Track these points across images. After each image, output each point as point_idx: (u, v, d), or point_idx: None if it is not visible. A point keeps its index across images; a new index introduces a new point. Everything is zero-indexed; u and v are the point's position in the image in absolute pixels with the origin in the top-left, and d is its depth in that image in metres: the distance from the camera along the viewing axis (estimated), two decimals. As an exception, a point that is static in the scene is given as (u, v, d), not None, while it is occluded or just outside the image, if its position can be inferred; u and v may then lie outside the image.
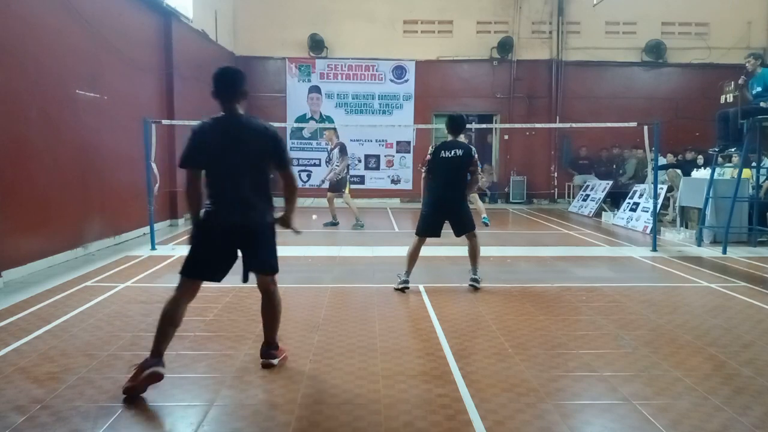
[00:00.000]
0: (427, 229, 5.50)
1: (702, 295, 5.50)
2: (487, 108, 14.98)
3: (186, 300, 3.26)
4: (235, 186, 3.22)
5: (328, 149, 10.86)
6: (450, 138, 5.51)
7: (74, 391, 3.15)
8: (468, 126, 14.19)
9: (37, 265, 6.28)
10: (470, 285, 5.47)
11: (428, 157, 5.50)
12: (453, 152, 5.38)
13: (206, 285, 5.66)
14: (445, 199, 5.45)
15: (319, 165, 14.99)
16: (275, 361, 3.52)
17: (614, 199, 12.38)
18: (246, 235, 3.25)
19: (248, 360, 3.64)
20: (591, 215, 12.33)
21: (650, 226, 9.14)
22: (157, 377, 3.07)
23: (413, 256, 5.53)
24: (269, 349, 3.54)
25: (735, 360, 3.70)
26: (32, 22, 6.35)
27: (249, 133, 3.28)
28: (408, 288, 5.45)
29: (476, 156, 5.48)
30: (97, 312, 4.69)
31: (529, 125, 13.02)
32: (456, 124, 5.50)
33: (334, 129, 10.67)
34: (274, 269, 3.41)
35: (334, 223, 10.15)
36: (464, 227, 5.50)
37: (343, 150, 9.90)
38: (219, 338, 4.08)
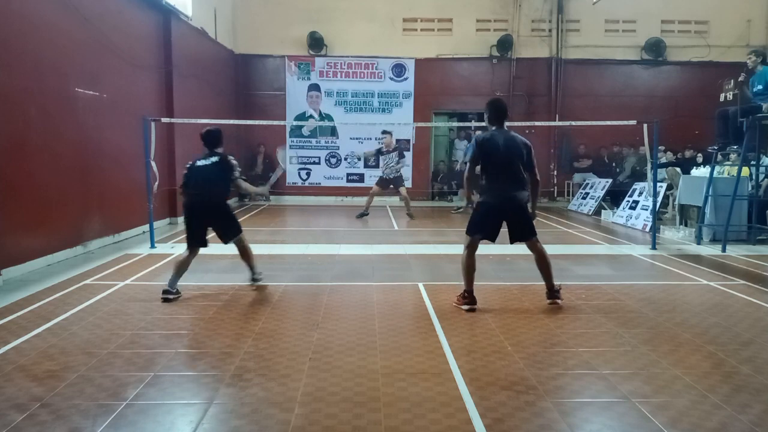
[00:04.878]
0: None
1: (701, 293, 5.50)
2: (487, 106, 14.96)
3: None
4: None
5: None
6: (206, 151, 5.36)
7: (74, 389, 3.15)
8: (468, 124, 14.27)
9: (36, 263, 6.28)
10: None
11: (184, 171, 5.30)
12: (208, 161, 5.24)
13: (205, 284, 5.67)
14: (201, 205, 5.22)
15: (319, 163, 15.00)
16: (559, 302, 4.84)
17: (614, 197, 12.38)
18: None
19: (247, 358, 3.65)
20: (590, 213, 12.32)
21: (650, 224, 9.15)
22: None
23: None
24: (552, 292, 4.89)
25: (734, 358, 3.70)
26: (31, 20, 6.34)
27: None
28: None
29: (234, 163, 5.29)
30: (97, 310, 4.70)
31: (528, 123, 13.01)
32: (210, 137, 5.35)
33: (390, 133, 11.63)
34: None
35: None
36: (225, 231, 5.33)
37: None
38: (218, 336, 4.08)
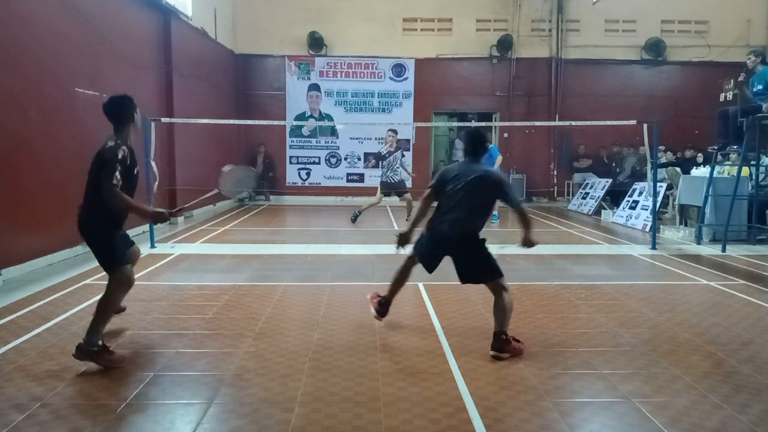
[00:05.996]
0: None
1: (701, 293, 5.51)
2: (487, 106, 14.98)
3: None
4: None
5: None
6: None
7: (73, 389, 3.15)
8: (468, 124, 14.28)
9: (36, 263, 6.28)
10: None
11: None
12: None
13: (205, 284, 5.67)
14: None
15: (319, 163, 15.00)
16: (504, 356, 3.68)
17: (614, 197, 12.38)
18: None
19: (248, 358, 3.65)
20: (590, 213, 12.32)
21: (650, 224, 9.15)
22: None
23: None
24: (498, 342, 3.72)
25: (734, 358, 3.71)
26: (31, 20, 6.34)
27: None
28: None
29: (107, 157, 3.81)
30: (97, 310, 4.69)
31: (528, 123, 13.03)
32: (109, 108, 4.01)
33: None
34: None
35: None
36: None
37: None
38: (218, 336, 4.09)
